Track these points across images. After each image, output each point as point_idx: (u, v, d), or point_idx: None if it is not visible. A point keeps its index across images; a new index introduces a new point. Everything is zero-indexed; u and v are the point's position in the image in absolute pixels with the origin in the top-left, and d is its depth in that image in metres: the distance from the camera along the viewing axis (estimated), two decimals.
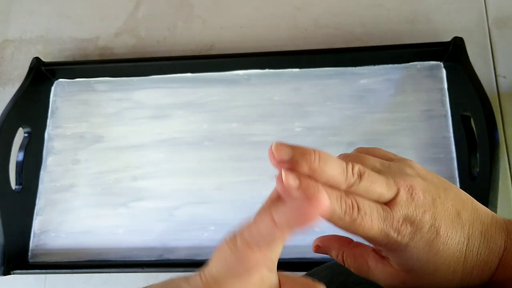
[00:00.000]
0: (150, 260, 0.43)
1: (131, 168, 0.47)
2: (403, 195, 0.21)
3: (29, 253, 0.45)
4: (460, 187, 0.43)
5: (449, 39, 0.44)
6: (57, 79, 0.51)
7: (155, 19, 0.54)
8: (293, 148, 0.20)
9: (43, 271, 0.44)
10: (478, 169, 0.39)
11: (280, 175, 0.19)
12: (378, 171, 0.22)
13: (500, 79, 0.46)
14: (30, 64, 0.49)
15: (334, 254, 0.25)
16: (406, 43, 0.47)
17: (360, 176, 0.20)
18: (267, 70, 0.48)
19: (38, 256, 0.45)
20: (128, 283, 0.44)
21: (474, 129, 0.40)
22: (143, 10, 0.55)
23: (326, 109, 0.46)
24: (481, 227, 0.21)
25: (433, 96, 0.45)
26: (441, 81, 0.45)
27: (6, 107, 0.44)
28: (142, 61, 0.50)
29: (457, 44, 0.43)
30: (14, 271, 0.42)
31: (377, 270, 0.23)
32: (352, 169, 0.20)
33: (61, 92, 0.51)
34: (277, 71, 0.48)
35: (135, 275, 0.44)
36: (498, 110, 0.45)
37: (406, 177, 0.21)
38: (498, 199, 0.36)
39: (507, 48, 0.47)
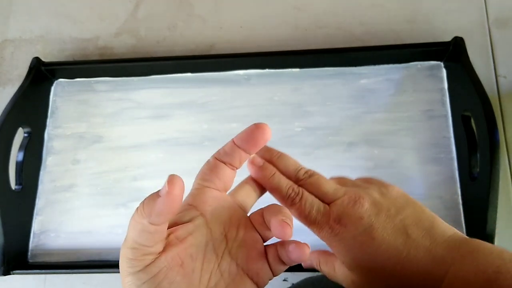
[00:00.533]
0: None
1: (131, 168, 0.47)
2: (345, 199, 0.25)
3: (29, 253, 0.45)
4: (461, 187, 0.43)
5: (449, 39, 0.44)
6: (57, 79, 0.51)
7: (155, 19, 0.54)
8: (268, 148, 0.28)
9: (43, 271, 0.44)
10: (478, 169, 0.39)
11: (252, 158, 0.27)
12: (343, 184, 0.27)
13: (501, 79, 0.46)
14: (30, 64, 0.49)
15: (315, 263, 0.29)
16: (407, 43, 0.47)
17: (310, 176, 0.26)
18: (267, 70, 0.48)
19: (38, 256, 0.45)
20: None
21: (475, 129, 0.40)
22: (143, 10, 0.55)
23: (326, 109, 0.46)
24: (429, 243, 0.23)
25: (433, 96, 0.45)
26: (442, 81, 0.45)
27: (6, 107, 0.44)
28: (142, 61, 0.50)
29: (458, 44, 0.43)
30: (14, 271, 0.42)
31: (338, 272, 0.26)
32: (306, 170, 0.27)
33: (61, 92, 0.51)
34: (277, 71, 0.48)
35: None
36: (498, 110, 0.45)
37: (360, 190, 0.25)
38: (498, 199, 0.36)
39: (507, 48, 0.47)
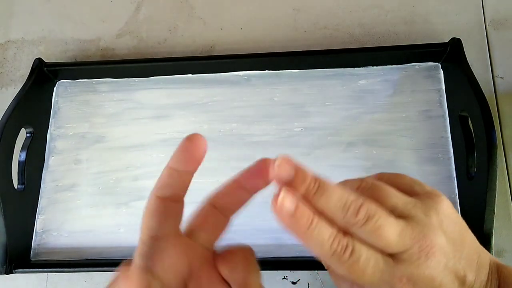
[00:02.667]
0: None
1: (132, 168, 0.47)
2: (415, 252, 0.19)
3: (31, 252, 0.46)
4: (458, 187, 0.44)
5: (447, 40, 0.45)
6: (59, 80, 0.52)
7: (156, 21, 0.55)
8: (296, 170, 0.19)
9: (45, 270, 0.45)
10: (475, 169, 0.40)
11: (278, 194, 0.19)
12: (399, 215, 0.20)
13: (498, 80, 0.47)
14: (32, 65, 0.49)
15: None
16: (405, 44, 0.47)
17: (368, 218, 0.19)
18: (267, 71, 0.49)
19: (40, 255, 0.46)
20: None
21: (472, 129, 0.41)
22: (144, 12, 0.55)
23: (325, 110, 0.47)
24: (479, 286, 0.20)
25: (431, 96, 0.46)
26: (439, 82, 0.46)
27: (8, 108, 0.45)
28: (143, 62, 0.50)
29: (455, 45, 0.44)
30: (16, 270, 0.43)
31: None
32: (359, 208, 0.19)
33: (63, 93, 0.51)
34: (277, 72, 0.48)
35: None
36: (495, 110, 0.45)
37: (429, 231, 0.19)
38: (496, 198, 0.36)
39: (504, 49, 0.48)
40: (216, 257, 0.21)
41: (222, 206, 0.21)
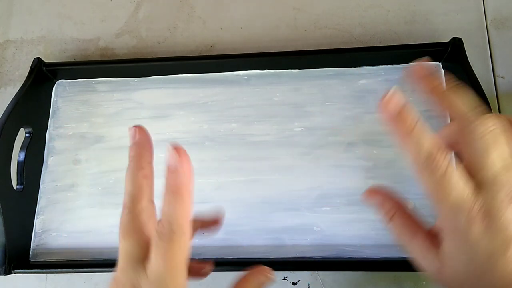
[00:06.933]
0: None
1: None
2: (501, 192, 0.18)
3: (31, 253, 0.46)
4: None
5: (447, 40, 0.44)
6: (58, 80, 0.52)
7: (156, 20, 0.55)
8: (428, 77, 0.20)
9: (44, 270, 0.45)
10: None
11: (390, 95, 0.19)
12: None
13: (499, 79, 0.47)
14: (31, 65, 0.49)
15: (386, 208, 0.22)
16: (405, 43, 0.47)
17: (491, 130, 0.18)
18: (267, 71, 0.48)
19: (40, 256, 0.46)
20: None
21: None
22: (144, 11, 0.55)
23: (326, 109, 0.46)
24: None
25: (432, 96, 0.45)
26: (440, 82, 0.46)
27: (7, 108, 0.45)
28: (143, 62, 0.50)
29: (456, 45, 0.43)
30: (16, 271, 0.43)
31: (416, 250, 0.20)
32: (487, 116, 0.18)
33: (62, 93, 0.51)
34: (277, 72, 0.48)
35: None
36: (496, 110, 0.45)
37: None
38: None
39: (505, 48, 0.48)
40: None
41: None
